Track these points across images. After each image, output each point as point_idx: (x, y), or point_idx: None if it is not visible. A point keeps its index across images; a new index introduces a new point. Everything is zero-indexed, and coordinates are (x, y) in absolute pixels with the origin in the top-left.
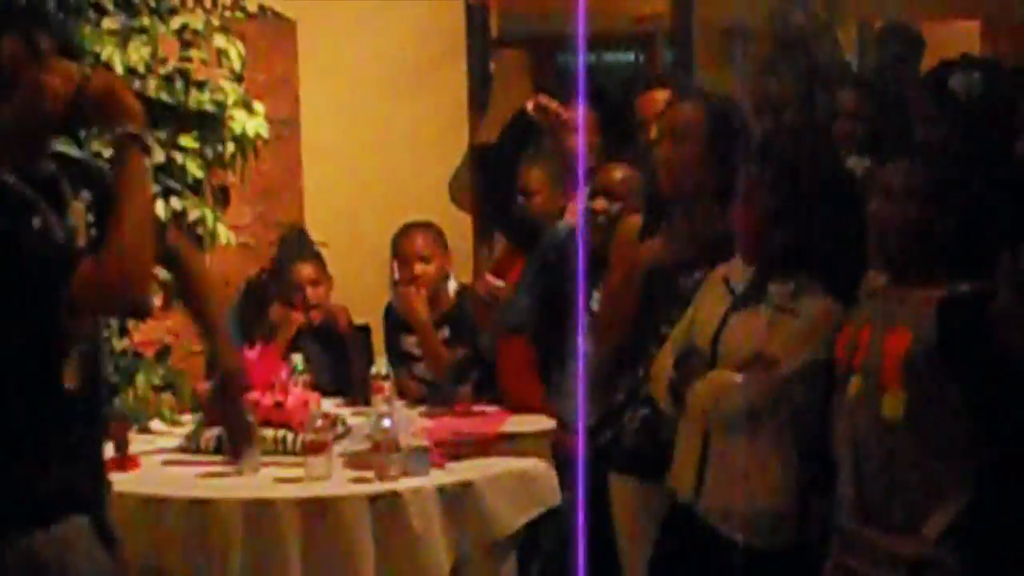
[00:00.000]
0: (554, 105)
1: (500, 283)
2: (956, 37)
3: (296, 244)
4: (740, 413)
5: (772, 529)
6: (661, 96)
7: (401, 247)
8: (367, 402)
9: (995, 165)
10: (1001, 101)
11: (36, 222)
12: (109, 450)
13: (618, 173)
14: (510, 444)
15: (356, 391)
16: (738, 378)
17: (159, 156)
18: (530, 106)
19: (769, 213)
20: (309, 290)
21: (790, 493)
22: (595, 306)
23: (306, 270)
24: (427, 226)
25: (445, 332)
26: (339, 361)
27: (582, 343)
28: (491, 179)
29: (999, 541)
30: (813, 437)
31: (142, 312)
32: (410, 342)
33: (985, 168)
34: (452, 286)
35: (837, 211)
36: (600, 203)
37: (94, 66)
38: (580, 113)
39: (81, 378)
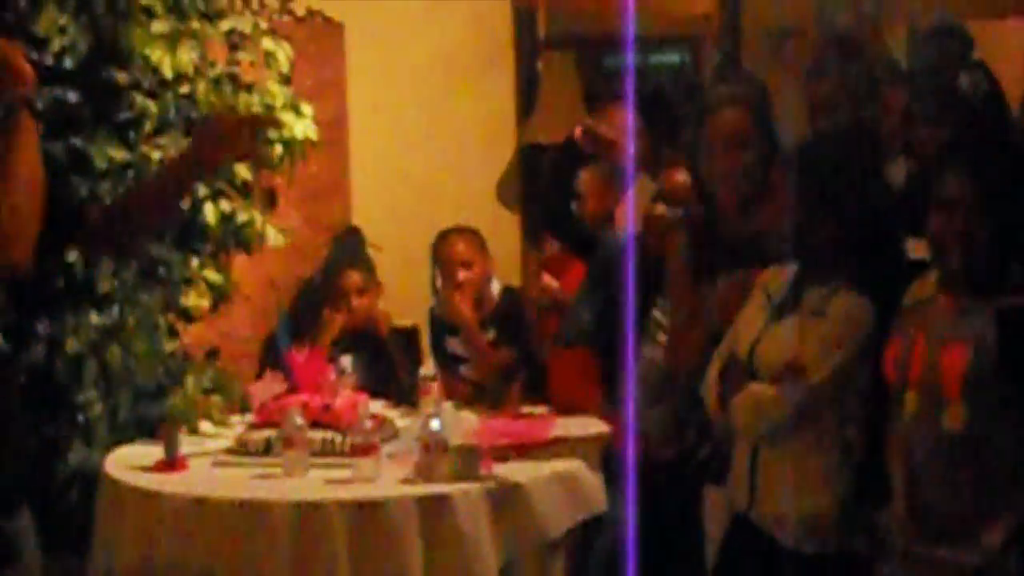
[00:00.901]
0: (602, 129)
1: (555, 283)
2: (1006, 36)
3: (348, 247)
4: (777, 425)
5: (821, 533)
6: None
7: (441, 254)
8: (413, 404)
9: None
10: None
11: None
12: (159, 452)
13: (680, 177)
14: (558, 447)
15: (400, 394)
16: (771, 391)
17: None
18: (578, 133)
19: (807, 214)
20: (355, 299)
21: (836, 497)
22: (658, 313)
23: (354, 278)
24: (466, 231)
25: (490, 334)
26: (381, 364)
27: (632, 349)
28: (545, 191)
29: None
30: (856, 439)
31: (20, 274)
32: (456, 344)
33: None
34: (495, 288)
35: (875, 212)
36: (660, 208)
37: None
38: (628, 114)
39: None
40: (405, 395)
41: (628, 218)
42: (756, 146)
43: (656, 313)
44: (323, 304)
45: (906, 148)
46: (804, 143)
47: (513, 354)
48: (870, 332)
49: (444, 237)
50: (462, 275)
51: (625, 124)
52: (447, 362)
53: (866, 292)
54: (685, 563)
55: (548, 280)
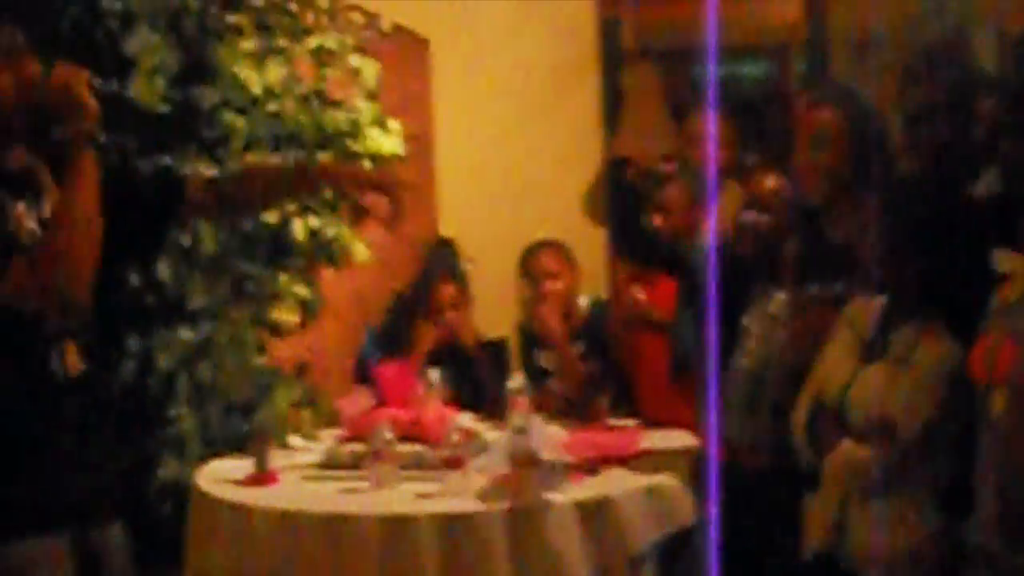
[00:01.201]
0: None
1: (643, 296)
2: None
3: (442, 260)
4: (872, 484)
5: (914, 568)
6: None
7: (530, 266)
8: (502, 417)
9: None
10: None
11: None
12: (249, 466)
13: (769, 183)
14: (647, 460)
15: (488, 407)
16: (862, 452)
17: None
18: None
19: (897, 249)
20: (448, 312)
21: (931, 532)
22: (747, 321)
23: (448, 291)
24: (554, 244)
25: (578, 347)
26: (470, 378)
27: (715, 358)
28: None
29: None
30: (950, 476)
31: (75, 314)
32: (544, 357)
33: None
34: (583, 301)
35: (967, 248)
36: (750, 216)
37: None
38: (711, 124)
39: (78, 370)
40: (493, 408)
41: (712, 228)
42: (843, 148)
43: (745, 321)
44: (416, 317)
45: (996, 159)
46: (897, 177)
47: (601, 367)
48: (959, 375)
49: (533, 250)
50: (548, 286)
51: (710, 134)
52: (535, 375)
53: (953, 331)
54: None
55: (637, 293)
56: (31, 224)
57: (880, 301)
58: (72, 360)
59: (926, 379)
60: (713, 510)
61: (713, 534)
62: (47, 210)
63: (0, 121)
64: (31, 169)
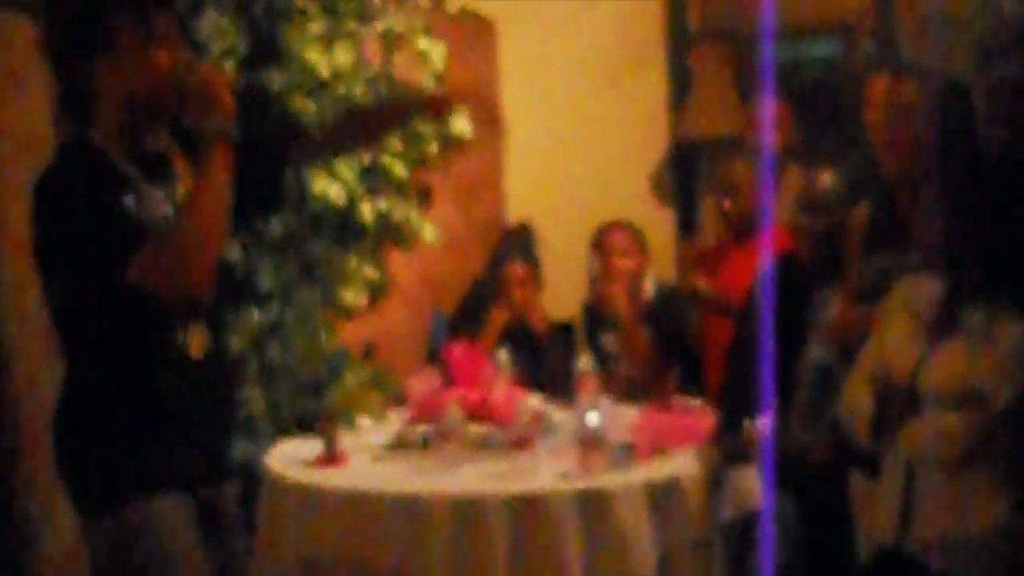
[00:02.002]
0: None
1: (706, 286)
2: None
3: (517, 241)
4: (959, 456)
5: (989, 557)
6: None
7: (600, 242)
8: (570, 398)
9: None
10: None
11: (129, 199)
12: (319, 446)
13: (825, 181)
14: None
15: (556, 388)
16: (954, 419)
17: (366, 159)
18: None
19: (959, 224)
20: (517, 290)
21: (1003, 517)
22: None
23: (517, 269)
24: (625, 224)
25: (645, 328)
26: (538, 359)
27: (769, 351)
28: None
29: None
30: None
31: (197, 302)
32: (609, 340)
33: None
34: (650, 285)
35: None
36: (803, 219)
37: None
38: (768, 108)
39: (201, 349)
40: (561, 389)
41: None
42: (925, 123)
43: (812, 316)
44: (489, 299)
45: None
46: (965, 152)
47: (668, 349)
48: None
49: (604, 227)
50: (618, 264)
51: (773, 116)
52: (601, 356)
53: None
54: (843, 559)
55: (698, 281)
56: (167, 210)
57: (936, 281)
58: (197, 342)
59: (1010, 353)
60: (768, 497)
61: (767, 523)
62: (179, 197)
63: (148, 101)
64: (166, 154)
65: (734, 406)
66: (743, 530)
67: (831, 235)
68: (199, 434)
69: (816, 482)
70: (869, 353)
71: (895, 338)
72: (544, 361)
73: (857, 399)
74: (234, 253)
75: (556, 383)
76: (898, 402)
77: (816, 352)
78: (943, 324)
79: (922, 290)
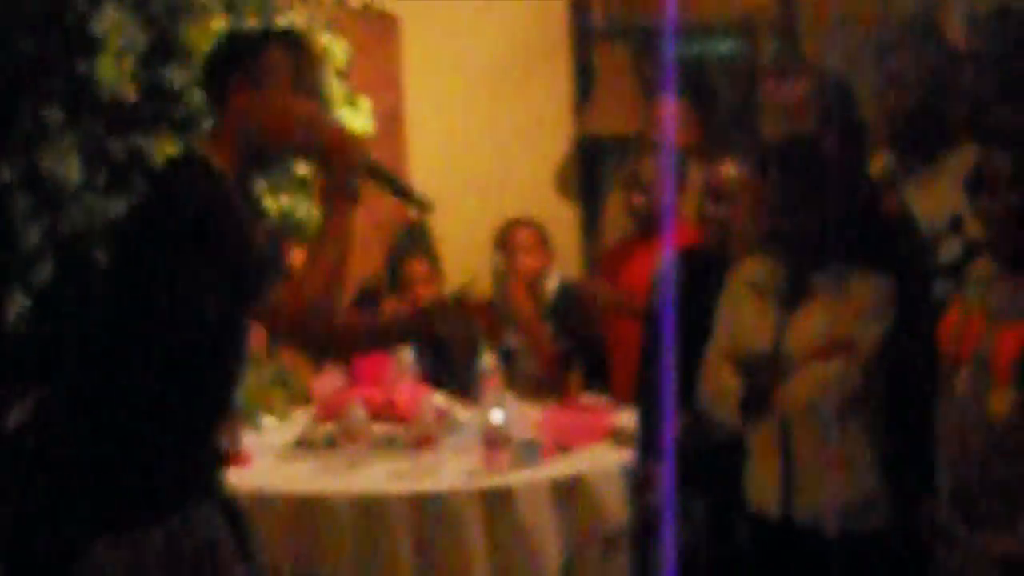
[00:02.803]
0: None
1: (607, 289)
2: None
3: (413, 238)
4: (839, 405)
5: (866, 514)
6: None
7: (504, 240)
8: (473, 396)
9: None
10: None
11: (258, 236)
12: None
13: (726, 171)
14: (620, 438)
15: (459, 386)
16: (835, 366)
17: None
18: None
19: (800, 206)
20: (420, 288)
21: (881, 473)
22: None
23: (419, 267)
24: (530, 222)
25: (548, 326)
26: (441, 357)
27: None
28: None
29: None
30: (898, 413)
31: (328, 352)
32: (513, 337)
33: None
34: (553, 283)
35: (864, 198)
36: (707, 209)
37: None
38: (670, 106)
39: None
40: (464, 387)
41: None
42: (813, 121)
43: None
44: (383, 296)
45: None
46: (785, 140)
47: (571, 346)
48: (895, 308)
49: (508, 225)
50: (521, 261)
51: (675, 114)
52: (506, 356)
53: (878, 270)
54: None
55: (601, 288)
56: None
57: (774, 258)
58: None
59: (868, 301)
60: (670, 492)
61: (669, 516)
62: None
63: (277, 143)
64: (258, 198)
65: (650, 405)
66: (651, 524)
67: (734, 223)
68: (213, 450)
69: (715, 473)
70: (721, 336)
71: (747, 317)
72: (448, 359)
73: (720, 380)
74: None
75: (460, 380)
76: (766, 370)
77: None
78: (795, 294)
79: (763, 268)
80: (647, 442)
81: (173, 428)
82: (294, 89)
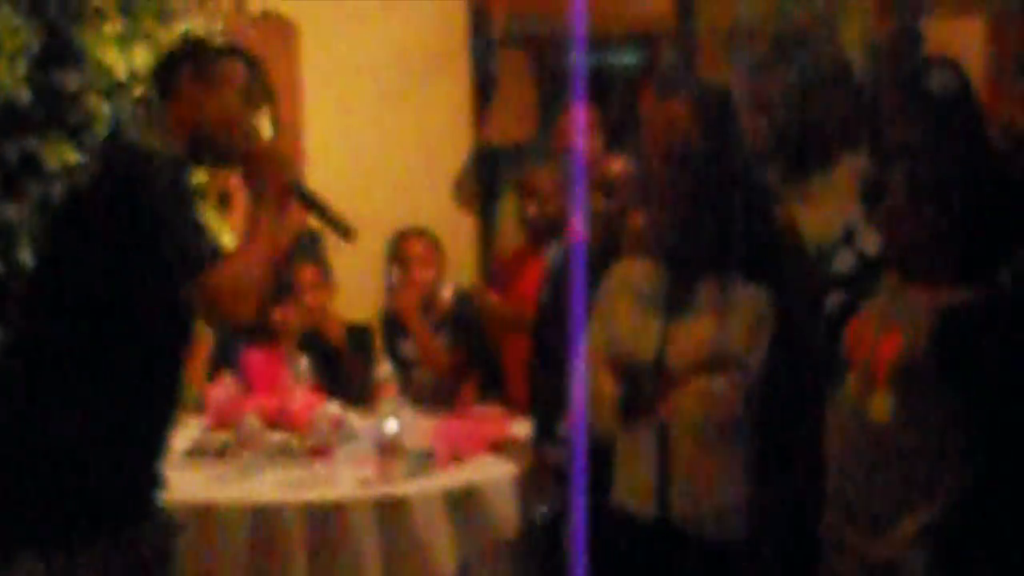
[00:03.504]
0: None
1: (494, 302)
2: (959, 35)
3: (302, 244)
4: (722, 420)
5: (738, 522)
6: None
7: (397, 252)
8: (366, 404)
9: (978, 165)
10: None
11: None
12: None
13: (613, 167)
14: (515, 447)
15: (352, 394)
16: (713, 384)
17: None
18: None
19: (688, 215)
20: (309, 294)
21: (755, 480)
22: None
23: (307, 273)
24: (422, 232)
25: (443, 336)
26: (334, 364)
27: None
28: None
29: (971, 545)
30: (774, 423)
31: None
32: (408, 347)
33: (972, 168)
34: (449, 291)
35: (751, 208)
36: (596, 202)
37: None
38: (579, 113)
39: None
40: (357, 395)
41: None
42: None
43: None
44: (275, 302)
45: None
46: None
47: (466, 355)
48: (781, 313)
49: (401, 236)
50: (415, 273)
51: (579, 124)
52: (400, 365)
53: (758, 281)
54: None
55: (488, 302)
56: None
57: (653, 263)
58: None
59: (752, 316)
60: (579, 498)
61: (579, 520)
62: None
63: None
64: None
65: (544, 414)
66: (551, 531)
67: (622, 217)
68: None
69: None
70: (597, 338)
71: (625, 321)
72: (341, 368)
73: (598, 387)
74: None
75: (354, 390)
76: (648, 381)
77: None
78: (677, 302)
79: (642, 273)
80: (541, 429)
81: (111, 443)
82: (244, 101)
